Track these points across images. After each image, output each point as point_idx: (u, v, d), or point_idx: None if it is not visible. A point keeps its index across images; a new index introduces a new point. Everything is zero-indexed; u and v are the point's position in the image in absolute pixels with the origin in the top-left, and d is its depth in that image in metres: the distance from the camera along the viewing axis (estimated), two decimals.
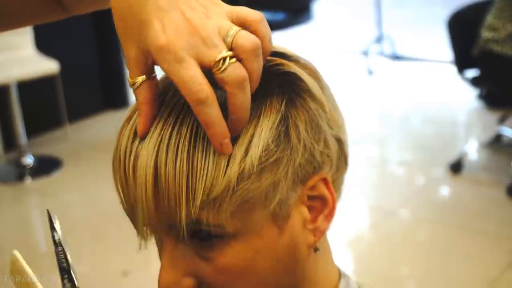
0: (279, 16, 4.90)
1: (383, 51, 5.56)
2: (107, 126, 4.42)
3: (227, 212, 0.57)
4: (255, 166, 0.57)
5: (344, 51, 5.88)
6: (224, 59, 0.53)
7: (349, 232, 2.91)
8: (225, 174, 0.56)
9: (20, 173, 3.70)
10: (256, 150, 0.57)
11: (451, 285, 2.53)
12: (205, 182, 0.56)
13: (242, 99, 0.54)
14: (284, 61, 0.62)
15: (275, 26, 4.79)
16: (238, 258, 0.60)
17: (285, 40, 5.28)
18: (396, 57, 5.51)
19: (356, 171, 3.44)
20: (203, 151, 0.56)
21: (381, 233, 2.97)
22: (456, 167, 3.35)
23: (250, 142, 0.57)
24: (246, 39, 0.54)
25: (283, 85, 0.60)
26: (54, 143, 4.13)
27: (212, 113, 0.54)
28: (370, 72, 5.22)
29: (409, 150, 3.83)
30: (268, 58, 0.61)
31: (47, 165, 3.81)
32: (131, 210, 0.60)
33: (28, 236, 3.27)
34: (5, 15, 0.76)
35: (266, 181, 0.58)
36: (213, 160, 0.56)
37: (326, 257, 0.68)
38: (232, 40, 0.54)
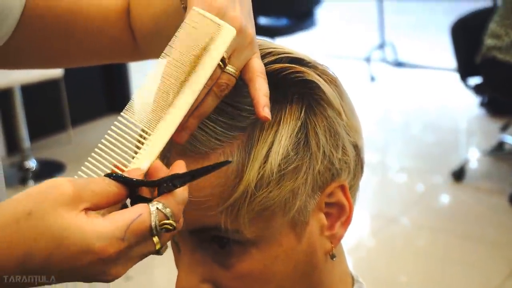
0: (282, 22, 4.90)
1: (386, 57, 5.57)
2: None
3: (245, 218, 0.58)
4: (275, 173, 0.58)
5: (346, 57, 5.88)
6: None
7: (349, 239, 2.91)
8: (243, 178, 0.57)
9: (23, 176, 3.70)
10: (275, 157, 0.58)
11: None
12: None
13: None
14: (303, 68, 0.63)
15: (278, 31, 4.80)
16: (257, 264, 0.60)
17: (287, 46, 5.28)
18: (398, 64, 5.51)
19: None
20: None
21: (382, 240, 2.96)
22: (458, 174, 3.36)
23: (269, 149, 0.58)
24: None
25: (302, 93, 0.61)
26: (57, 147, 4.13)
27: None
28: (373, 79, 5.23)
29: (410, 157, 3.83)
30: (287, 65, 0.62)
31: (50, 169, 3.81)
32: None
33: None
34: (84, 53, 0.79)
35: (285, 188, 0.59)
36: (233, 165, 0.57)
37: (341, 263, 0.69)
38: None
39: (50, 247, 0.47)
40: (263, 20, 4.80)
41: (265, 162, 0.58)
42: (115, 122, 0.55)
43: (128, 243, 0.48)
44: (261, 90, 0.56)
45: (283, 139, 0.58)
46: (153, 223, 0.49)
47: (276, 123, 0.59)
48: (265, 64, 0.61)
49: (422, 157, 3.79)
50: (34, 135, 3.97)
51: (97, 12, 0.75)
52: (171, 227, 0.50)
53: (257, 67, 0.58)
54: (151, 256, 0.67)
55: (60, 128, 4.17)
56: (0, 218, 0.48)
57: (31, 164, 3.76)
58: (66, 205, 0.48)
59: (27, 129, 3.75)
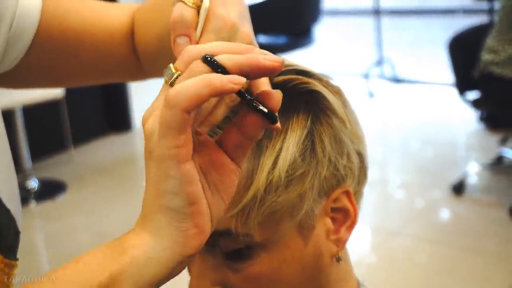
0: (281, 40, 4.95)
1: (384, 73, 5.60)
2: (111, 150, 4.45)
3: (255, 222, 0.60)
4: (283, 178, 0.60)
5: (345, 73, 5.92)
6: None
7: (350, 253, 2.91)
8: (252, 184, 0.60)
9: (24, 196, 3.71)
10: (283, 163, 0.60)
11: None
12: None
13: None
14: (309, 79, 0.66)
15: (276, 49, 4.83)
16: (266, 267, 0.63)
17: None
18: (396, 80, 5.55)
19: None
20: None
21: (383, 255, 2.97)
22: (458, 188, 3.37)
23: (278, 155, 0.61)
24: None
25: (308, 103, 0.64)
26: (58, 167, 4.15)
27: None
28: (371, 95, 5.26)
29: (410, 172, 3.85)
30: (294, 76, 0.65)
31: (51, 189, 3.82)
32: None
33: (31, 260, 3.28)
34: (91, 73, 0.82)
35: (293, 193, 0.61)
36: (243, 171, 0.58)
37: (347, 267, 0.71)
38: None
39: None
40: (262, 38, 4.84)
41: (273, 168, 0.60)
42: None
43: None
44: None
45: (290, 146, 0.61)
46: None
47: (284, 132, 0.61)
48: (273, 76, 0.63)
49: (421, 172, 3.81)
50: (36, 155, 3.99)
51: (103, 34, 0.78)
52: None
53: (264, 80, 0.59)
54: None
55: (62, 148, 4.20)
56: None
57: (33, 184, 3.77)
58: None
59: (28, 149, 3.77)
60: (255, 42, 0.60)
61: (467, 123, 4.42)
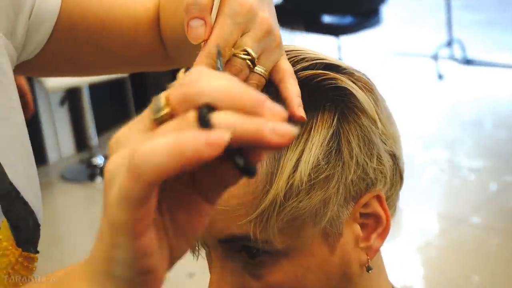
0: (347, 20, 4.85)
1: (454, 55, 5.43)
2: None
3: (274, 228, 0.57)
4: (304, 182, 0.56)
5: (412, 55, 5.78)
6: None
7: (418, 238, 2.85)
8: (272, 188, 0.56)
9: (91, 173, 3.78)
10: (305, 167, 0.56)
11: None
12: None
13: None
14: (336, 75, 0.61)
15: (342, 30, 4.75)
16: (288, 275, 0.59)
17: (352, 44, 5.24)
18: (467, 61, 5.37)
19: (425, 177, 3.37)
20: None
21: (451, 240, 2.89)
22: None
23: (299, 158, 0.56)
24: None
25: (335, 100, 0.59)
26: None
27: None
28: (440, 77, 5.11)
29: (481, 156, 3.72)
30: (321, 72, 0.60)
31: None
32: None
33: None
34: (115, 62, 0.80)
35: (316, 199, 0.57)
36: (261, 174, 0.56)
37: (380, 275, 0.66)
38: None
39: None
40: (327, 19, 4.76)
41: (294, 172, 0.56)
42: None
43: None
44: (293, 90, 0.55)
45: (313, 147, 0.57)
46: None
47: (306, 131, 0.57)
48: (298, 71, 0.59)
49: (494, 155, 3.67)
50: (101, 133, 4.05)
51: (128, 22, 0.75)
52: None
53: (287, 68, 0.56)
54: None
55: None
56: None
57: (99, 160, 3.83)
58: None
59: (94, 126, 3.83)
60: (276, 29, 0.55)
61: None
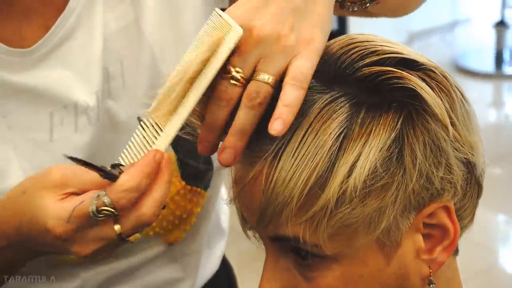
0: None
1: None
2: None
3: (324, 234, 0.55)
4: (359, 189, 0.53)
5: None
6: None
7: None
8: (324, 192, 0.54)
9: None
10: (361, 172, 0.53)
11: None
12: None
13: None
14: (404, 73, 0.56)
15: None
16: (338, 281, 0.57)
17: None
18: None
19: None
20: None
21: None
22: None
23: (355, 162, 0.53)
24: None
25: (400, 101, 0.55)
26: None
27: None
28: None
29: None
30: (388, 69, 0.56)
31: None
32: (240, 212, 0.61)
33: None
34: None
35: (370, 207, 0.54)
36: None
37: None
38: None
39: (30, 221, 0.58)
40: None
41: (348, 177, 0.53)
42: (141, 117, 0.59)
43: (75, 225, 0.56)
44: (282, 100, 0.53)
45: (371, 152, 0.53)
46: (90, 209, 0.54)
47: (366, 134, 0.54)
48: (364, 66, 0.56)
49: None
50: None
51: None
52: (110, 213, 0.55)
53: (290, 72, 0.54)
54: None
55: None
56: (8, 193, 0.62)
57: None
58: (50, 188, 0.57)
59: None
60: (279, 32, 0.54)
61: None
